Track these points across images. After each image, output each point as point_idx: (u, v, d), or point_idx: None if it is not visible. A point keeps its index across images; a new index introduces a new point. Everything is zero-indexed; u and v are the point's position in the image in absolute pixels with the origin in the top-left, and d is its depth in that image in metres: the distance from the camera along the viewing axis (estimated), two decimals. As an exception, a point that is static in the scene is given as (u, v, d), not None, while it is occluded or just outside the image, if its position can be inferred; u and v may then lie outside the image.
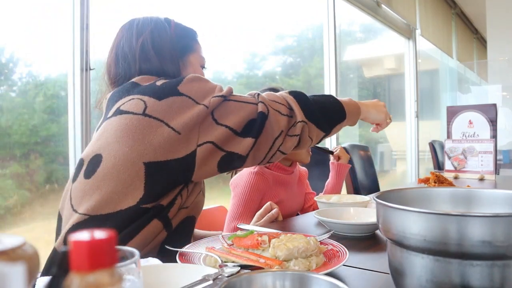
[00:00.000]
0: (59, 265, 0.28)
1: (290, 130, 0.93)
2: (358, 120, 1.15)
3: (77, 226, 0.81)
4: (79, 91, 1.70)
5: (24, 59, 1.71)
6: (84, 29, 1.67)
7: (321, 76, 3.39)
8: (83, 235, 0.26)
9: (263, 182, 1.40)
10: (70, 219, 0.83)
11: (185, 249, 0.80)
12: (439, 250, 0.46)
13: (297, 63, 3.60)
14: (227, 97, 0.88)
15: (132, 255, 0.42)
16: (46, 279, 0.56)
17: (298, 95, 0.98)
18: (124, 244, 0.81)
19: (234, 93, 0.91)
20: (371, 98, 4.94)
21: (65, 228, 0.84)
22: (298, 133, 0.93)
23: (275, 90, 1.54)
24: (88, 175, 0.84)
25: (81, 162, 0.87)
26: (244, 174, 1.41)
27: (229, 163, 0.88)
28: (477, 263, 0.45)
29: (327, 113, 1.01)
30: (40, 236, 1.76)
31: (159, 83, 0.88)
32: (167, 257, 0.80)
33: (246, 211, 1.35)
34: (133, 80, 0.92)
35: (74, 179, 0.87)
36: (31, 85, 1.72)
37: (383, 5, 4.11)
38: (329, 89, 3.34)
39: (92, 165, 0.84)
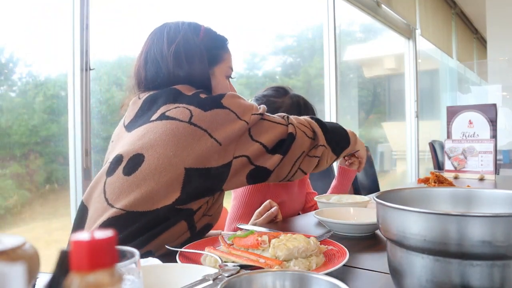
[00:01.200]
0: (59, 265, 0.28)
1: (311, 151, 1.03)
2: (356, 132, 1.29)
3: (113, 220, 0.84)
4: (79, 91, 1.70)
5: (24, 59, 1.71)
6: (84, 29, 1.67)
7: (321, 76, 3.39)
8: (83, 235, 0.26)
9: (264, 183, 1.41)
10: (105, 213, 0.86)
11: (185, 249, 0.80)
12: (439, 250, 0.46)
13: (297, 63, 3.60)
14: (263, 116, 0.96)
15: (132, 255, 0.42)
16: (46, 279, 0.56)
17: (319, 121, 1.10)
18: (149, 241, 0.84)
19: (268, 114, 0.99)
20: (371, 98, 4.96)
21: (99, 220, 0.86)
22: (319, 155, 1.05)
23: (283, 89, 1.54)
24: (128, 173, 0.87)
25: (120, 158, 0.89)
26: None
27: (257, 176, 0.96)
28: (477, 263, 0.45)
29: (339, 140, 1.15)
30: (40, 236, 1.76)
31: (202, 95, 0.93)
32: (167, 257, 0.80)
33: (247, 212, 1.35)
34: (176, 87, 0.94)
35: (109, 174, 0.89)
36: (31, 85, 1.72)
37: (383, 5, 4.11)
38: (329, 89, 3.34)
39: (133, 163, 0.87)
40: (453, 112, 2.47)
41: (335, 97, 3.33)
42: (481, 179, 2.27)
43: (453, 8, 6.57)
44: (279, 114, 1.03)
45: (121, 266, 0.39)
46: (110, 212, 0.85)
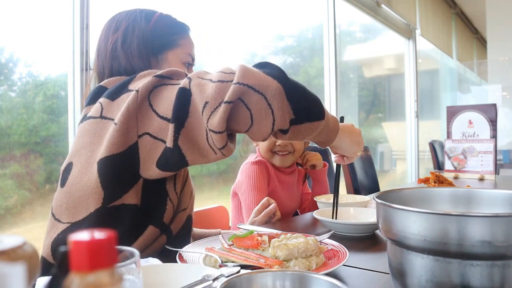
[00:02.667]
0: (59, 265, 0.28)
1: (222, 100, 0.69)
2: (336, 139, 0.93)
3: (63, 235, 0.82)
4: (79, 91, 1.70)
5: (24, 59, 1.71)
6: (84, 29, 1.67)
7: (321, 76, 3.39)
8: (83, 235, 0.26)
9: (265, 168, 1.44)
10: (54, 229, 0.84)
11: (185, 249, 0.80)
12: (439, 250, 0.46)
13: (297, 63, 3.60)
14: (163, 81, 0.77)
15: (132, 255, 0.42)
16: (46, 279, 0.56)
17: (262, 65, 0.77)
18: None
19: (181, 75, 0.79)
20: (371, 98, 4.96)
21: (49, 237, 0.84)
22: (231, 100, 0.67)
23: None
24: (62, 184, 0.85)
25: (59, 173, 0.89)
26: (245, 169, 1.43)
27: (166, 159, 0.76)
28: (477, 263, 0.45)
29: (303, 93, 0.79)
30: (40, 236, 1.75)
31: (117, 83, 0.86)
32: (167, 257, 0.80)
33: (261, 197, 1.36)
34: (101, 84, 0.90)
35: (56, 190, 0.89)
36: (31, 85, 1.72)
37: (383, 5, 4.11)
38: (329, 89, 3.34)
39: (65, 174, 0.85)
40: (453, 112, 2.47)
41: (335, 97, 3.33)
42: (481, 179, 2.27)
43: (453, 8, 6.57)
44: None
45: (121, 266, 0.39)
46: (60, 228, 0.83)
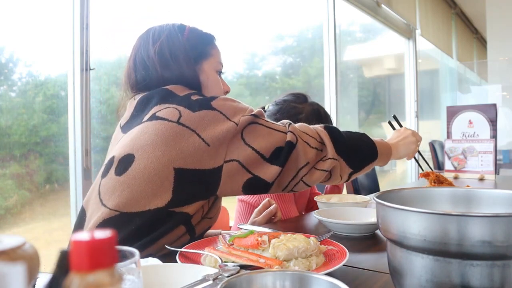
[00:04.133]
0: (59, 265, 0.28)
1: (318, 163, 0.94)
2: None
3: (107, 221, 0.85)
4: (79, 91, 1.70)
5: (24, 59, 1.71)
6: (84, 29, 1.67)
7: (321, 76, 3.39)
8: (83, 235, 0.26)
9: None
10: (98, 213, 0.86)
11: (185, 249, 0.81)
12: (439, 250, 0.46)
13: (297, 63, 3.60)
14: (257, 120, 0.91)
15: (132, 255, 0.42)
16: (46, 279, 0.56)
17: (332, 131, 0.99)
18: (147, 246, 0.85)
19: (266, 119, 0.94)
20: (371, 98, 4.96)
21: (92, 221, 0.87)
22: (327, 169, 0.94)
23: (303, 96, 1.53)
24: (119, 173, 0.87)
25: (112, 159, 0.90)
26: None
27: (255, 187, 0.91)
28: (477, 263, 0.45)
29: (359, 151, 1.01)
30: (40, 236, 1.76)
31: (194, 97, 0.92)
32: (167, 257, 0.80)
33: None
34: (168, 88, 0.94)
35: (103, 175, 0.90)
36: (31, 85, 1.72)
37: (383, 5, 4.11)
38: (329, 89, 3.34)
39: (123, 164, 0.87)
40: (453, 112, 2.47)
41: (335, 97, 3.33)
42: (481, 179, 2.27)
43: (453, 8, 6.57)
44: (282, 121, 0.98)
45: (121, 266, 0.39)
46: (104, 213, 0.86)
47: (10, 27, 1.63)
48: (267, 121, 0.93)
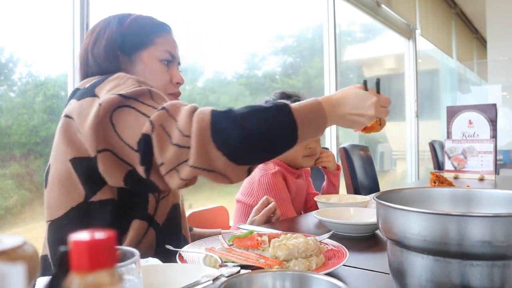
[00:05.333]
0: (59, 265, 0.28)
1: (180, 166, 0.70)
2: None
3: (52, 233, 0.85)
4: (79, 91, 1.69)
5: (24, 59, 1.71)
6: (84, 29, 1.67)
7: (321, 76, 3.39)
8: (83, 235, 0.26)
9: (283, 177, 1.44)
10: (46, 230, 0.87)
11: (185, 249, 0.81)
12: (439, 250, 0.46)
13: (297, 63, 3.60)
14: (127, 102, 0.75)
15: (132, 255, 0.42)
16: (46, 279, 0.56)
17: (217, 122, 0.71)
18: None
19: (142, 100, 0.77)
20: (371, 98, 4.97)
21: (44, 238, 0.88)
22: (185, 178, 0.70)
23: (285, 94, 1.51)
24: (45, 185, 0.88)
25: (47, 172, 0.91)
26: (265, 181, 1.40)
27: (138, 181, 0.77)
28: (477, 263, 0.45)
29: (260, 141, 0.73)
30: (40, 236, 1.76)
31: (88, 84, 0.86)
32: (167, 257, 0.80)
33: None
34: (78, 85, 0.91)
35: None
36: (31, 85, 1.72)
37: (383, 5, 4.11)
38: (329, 89, 3.34)
39: (46, 175, 0.88)
40: (453, 112, 2.47)
41: (335, 97, 3.32)
42: (481, 179, 2.27)
43: (453, 8, 6.57)
44: (273, 102, 0.78)
45: (121, 266, 0.39)
46: (47, 227, 0.86)
47: (10, 27, 1.63)
48: (141, 102, 0.76)
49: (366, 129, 0.99)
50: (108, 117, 0.75)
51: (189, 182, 0.73)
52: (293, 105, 0.77)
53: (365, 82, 0.87)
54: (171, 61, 1.00)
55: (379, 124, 0.98)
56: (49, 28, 1.74)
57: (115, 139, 0.76)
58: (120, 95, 0.76)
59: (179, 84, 1.01)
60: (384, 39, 4.82)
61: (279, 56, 3.42)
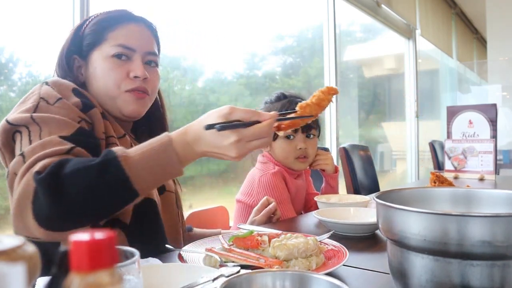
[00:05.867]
0: (59, 265, 0.28)
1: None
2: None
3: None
4: (79, 91, 1.69)
5: (24, 59, 1.71)
6: (84, 29, 1.67)
7: (321, 76, 3.39)
8: (83, 235, 0.26)
9: (283, 177, 1.43)
10: None
11: (185, 249, 0.81)
12: (439, 250, 0.46)
13: (297, 63, 3.60)
14: (15, 126, 0.78)
15: (132, 255, 0.42)
16: (46, 279, 0.56)
17: (40, 185, 0.64)
18: None
19: (31, 126, 0.76)
20: (371, 98, 4.97)
21: None
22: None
23: (283, 94, 1.51)
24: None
25: None
26: (265, 181, 1.40)
27: None
28: (477, 263, 0.45)
29: (81, 209, 0.65)
30: (40, 236, 1.75)
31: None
32: (167, 257, 0.80)
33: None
34: None
35: None
36: (31, 85, 1.72)
37: (383, 5, 4.11)
38: (329, 89, 3.33)
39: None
40: (453, 112, 2.47)
41: (335, 97, 3.32)
42: (481, 179, 2.27)
43: (453, 8, 6.57)
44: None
45: (121, 266, 0.39)
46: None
47: (10, 27, 1.63)
48: (26, 129, 0.76)
49: (281, 129, 0.81)
50: (10, 140, 0.78)
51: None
52: (130, 151, 0.68)
53: (208, 127, 0.69)
54: (127, 54, 0.91)
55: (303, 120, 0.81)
56: (49, 28, 1.74)
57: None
58: (7, 121, 0.78)
59: (137, 77, 0.90)
60: (384, 39, 4.83)
61: (279, 56, 3.42)
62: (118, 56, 0.90)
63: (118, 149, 0.68)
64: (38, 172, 0.65)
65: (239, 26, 2.81)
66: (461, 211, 0.62)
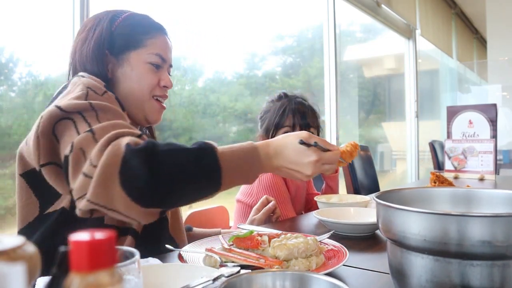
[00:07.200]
0: (59, 265, 0.28)
1: (82, 197, 0.65)
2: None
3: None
4: (79, 91, 1.69)
5: (24, 59, 1.71)
6: (84, 29, 1.67)
7: (321, 76, 3.39)
8: (83, 235, 0.26)
9: (283, 178, 1.43)
10: None
11: (185, 249, 0.81)
12: (439, 250, 0.46)
13: (297, 63, 3.60)
14: (67, 113, 0.73)
15: (132, 255, 0.42)
16: (46, 279, 0.56)
17: (130, 156, 0.64)
18: None
19: (85, 115, 0.73)
20: (371, 98, 4.97)
21: None
22: (82, 208, 0.65)
23: (284, 94, 1.51)
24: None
25: None
26: (264, 180, 1.40)
27: None
28: (477, 263, 0.45)
29: (174, 187, 0.66)
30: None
31: (56, 91, 0.85)
32: (167, 257, 0.80)
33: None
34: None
35: None
36: (31, 85, 1.72)
37: (383, 5, 4.11)
38: (329, 89, 3.34)
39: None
40: (453, 112, 2.47)
41: (335, 97, 3.32)
42: (481, 179, 2.27)
43: (453, 8, 6.57)
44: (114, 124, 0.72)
45: (121, 266, 0.39)
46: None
47: (10, 27, 1.63)
48: (82, 117, 0.73)
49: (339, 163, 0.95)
50: (50, 129, 0.73)
51: (95, 212, 0.67)
52: (224, 148, 0.71)
53: (301, 142, 0.76)
54: (161, 64, 0.96)
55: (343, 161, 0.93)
56: (49, 28, 1.74)
57: (59, 150, 0.74)
58: (59, 108, 0.73)
59: (166, 87, 0.97)
60: (384, 39, 4.83)
61: (279, 56, 3.42)
62: (154, 64, 0.95)
63: (211, 142, 0.72)
64: (129, 144, 0.65)
65: (239, 26, 2.81)
66: (461, 211, 0.62)
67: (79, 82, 0.81)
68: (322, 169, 0.78)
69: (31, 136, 0.76)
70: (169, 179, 0.65)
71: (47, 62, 1.77)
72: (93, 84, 0.81)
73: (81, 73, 0.86)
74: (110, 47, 0.92)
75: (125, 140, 0.66)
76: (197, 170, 0.67)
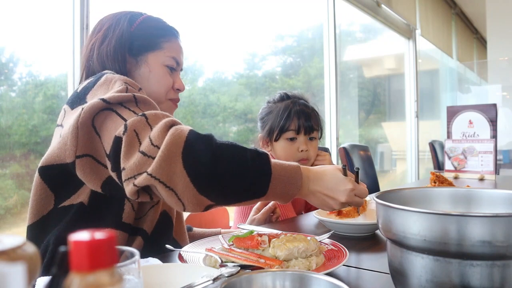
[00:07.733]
0: (59, 265, 0.28)
1: (138, 175, 0.67)
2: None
3: (30, 236, 0.84)
4: (79, 91, 1.69)
5: (24, 59, 1.71)
6: (84, 29, 1.67)
7: (321, 76, 3.39)
8: (83, 235, 0.26)
9: None
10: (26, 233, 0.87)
11: (185, 249, 0.81)
12: (439, 250, 0.46)
13: (297, 63, 3.60)
14: (110, 106, 0.74)
15: (132, 255, 0.42)
16: (46, 279, 0.56)
17: (192, 139, 0.68)
18: None
19: (125, 104, 0.75)
20: (371, 98, 4.97)
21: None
22: (138, 185, 0.67)
23: (286, 95, 1.50)
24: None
25: None
26: None
27: (113, 186, 0.76)
28: (477, 263, 0.45)
29: (231, 177, 0.69)
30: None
31: (80, 87, 0.84)
32: (167, 257, 0.80)
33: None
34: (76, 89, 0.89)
35: None
36: (31, 85, 1.72)
37: (383, 5, 4.11)
38: (329, 89, 3.34)
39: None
40: (453, 112, 2.47)
41: (335, 97, 3.33)
42: (481, 179, 2.27)
43: (453, 8, 6.57)
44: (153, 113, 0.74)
45: (121, 266, 0.39)
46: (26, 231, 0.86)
47: (10, 27, 1.63)
48: (124, 107, 0.75)
49: (340, 214, 1.05)
50: (90, 121, 0.74)
51: (141, 194, 0.69)
52: (273, 160, 0.74)
53: (344, 167, 0.83)
54: (175, 67, 0.99)
55: (357, 211, 1.03)
56: (49, 28, 1.74)
57: (98, 143, 0.75)
58: (103, 100, 0.74)
59: (179, 90, 1.01)
60: (384, 39, 4.83)
61: (279, 56, 3.42)
62: (170, 67, 0.98)
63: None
64: (192, 130, 0.69)
65: (239, 26, 2.81)
66: (461, 211, 0.62)
67: (116, 78, 0.82)
68: (353, 199, 0.81)
69: (67, 129, 0.77)
70: (226, 167, 0.68)
71: (47, 62, 1.77)
72: (129, 80, 0.83)
73: (108, 71, 0.87)
74: (129, 48, 0.94)
75: (187, 126, 0.70)
76: (251, 168, 0.70)
